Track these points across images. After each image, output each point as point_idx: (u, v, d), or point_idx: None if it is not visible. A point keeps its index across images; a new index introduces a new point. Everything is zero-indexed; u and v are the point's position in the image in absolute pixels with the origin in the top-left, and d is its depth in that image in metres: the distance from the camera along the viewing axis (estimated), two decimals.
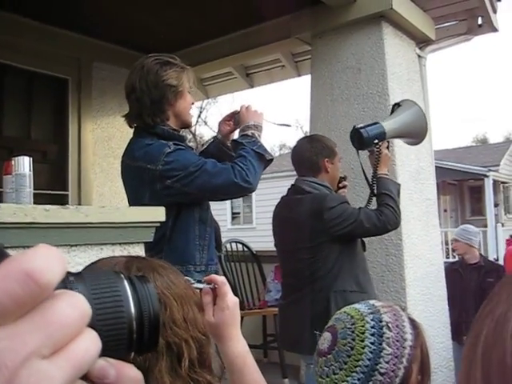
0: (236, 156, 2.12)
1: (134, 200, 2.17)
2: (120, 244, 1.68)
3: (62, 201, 4.39)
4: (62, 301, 0.31)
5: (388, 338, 1.07)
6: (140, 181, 2.10)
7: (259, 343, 4.45)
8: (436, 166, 4.87)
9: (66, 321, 0.31)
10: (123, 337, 0.38)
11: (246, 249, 4.64)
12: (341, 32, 3.90)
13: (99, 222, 1.60)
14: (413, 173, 3.78)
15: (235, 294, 3.45)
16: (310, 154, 2.60)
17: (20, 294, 0.29)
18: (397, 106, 2.75)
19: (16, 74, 4.37)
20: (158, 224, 1.76)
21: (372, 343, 1.06)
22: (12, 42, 4.08)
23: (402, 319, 1.12)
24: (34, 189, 1.86)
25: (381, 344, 1.06)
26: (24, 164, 1.89)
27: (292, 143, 31.06)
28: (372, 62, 3.73)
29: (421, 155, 3.89)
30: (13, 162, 1.89)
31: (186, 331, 0.77)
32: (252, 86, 5.88)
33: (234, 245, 4.56)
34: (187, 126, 2.33)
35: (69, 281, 0.35)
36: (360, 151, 2.66)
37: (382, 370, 1.04)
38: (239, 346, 1.01)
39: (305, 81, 4.61)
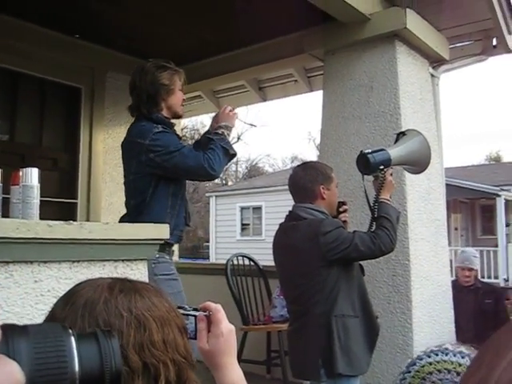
0: (207, 148, 2.59)
1: (125, 169, 2.69)
2: (123, 261, 1.68)
3: (70, 209, 4.41)
4: None
5: None
6: (131, 152, 2.62)
7: (263, 359, 4.42)
8: (447, 184, 4.85)
9: None
10: None
11: (252, 263, 4.62)
12: (354, 49, 3.89)
13: (103, 238, 1.59)
14: (423, 193, 3.75)
15: (240, 308, 3.45)
16: (304, 182, 2.62)
17: None
18: (402, 134, 2.77)
19: (30, 81, 4.41)
20: (162, 242, 1.76)
21: None
22: (27, 50, 4.13)
23: None
24: (43, 196, 1.86)
25: None
26: (32, 175, 1.89)
27: (304, 156, 31.09)
28: (384, 81, 3.72)
29: (431, 175, 3.86)
30: (21, 173, 1.89)
31: (164, 353, 0.77)
32: (264, 100, 5.90)
33: (240, 259, 4.54)
34: (178, 116, 2.83)
35: (11, 338, 0.35)
36: (365, 176, 2.66)
37: None
38: (234, 375, 0.99)
39: (318, 94, 4.61)
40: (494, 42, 4.36)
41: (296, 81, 5.48)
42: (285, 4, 3.78)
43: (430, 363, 1.13)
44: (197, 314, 0.98)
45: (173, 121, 2.77)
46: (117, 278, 0.83)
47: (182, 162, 2.52)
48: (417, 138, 2.74)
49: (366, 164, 2.55)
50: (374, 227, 2.54)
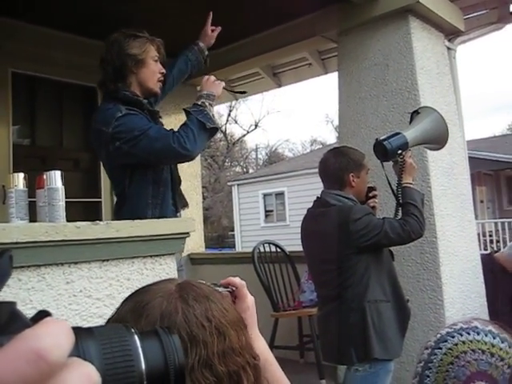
0: (182, 124, 2.28)
1: (99, 158, 2.47)
2: (151, 256, 1.69)
3: (94, 208, 4.46)
4: (72, 374, 0.31)
5: None
6: (99, 142, 2.32)
7: (295, 344, 4.44)
8: (470, 157, 4.78)
9: None
10: None
11: (279, 250, 4.63)
12: (367, 28, 3.85)
13: (130, 236, 1.61)
14: (446, 168, 3.71)
15: (269, 295, 3.46)
16: (334, 169, 2.60)
17: (30, 373, 0.29)
18: (415, 113, 2.74)
19: (47, 84, 4.45)
20: (188, 235, 1.77)
21: None
22: (43, 54, 4.16)
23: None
24: (68, 197, 1.89)
25: None
26: (56, 178, 1.91)
27: (323, 138, 30.95)
28: (400, 58, 3.68)
29: (453, 150, 3.82)
30: (45, 177, 1.92)
31: (243, 358, 0.76)
32: (280, 86, 5.87)
33: (266, 246, 4.56)
34: (153, 93, 2.45)
35: (80, 340, 0.35)
36: (384, 162, 2.65)
37: None
38: (260, 345, 1.00)
39: (333, 76, 4.57)
40: (511, 8, 4.27)
41: (310, 64, 5.44)
42: None
43: (464, 342, 1.12)
44: (220, 290, 0.99)
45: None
46: (180, 283, 0.79)
47: (148, 146, 2.20)
48: (431, 115, 2.70)
49: (383, 151, 2.54)
50: (399, 212, 2.53)
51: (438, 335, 1.20)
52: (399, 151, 2.53)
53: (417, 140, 2.64)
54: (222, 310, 0.77)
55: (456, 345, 1.13)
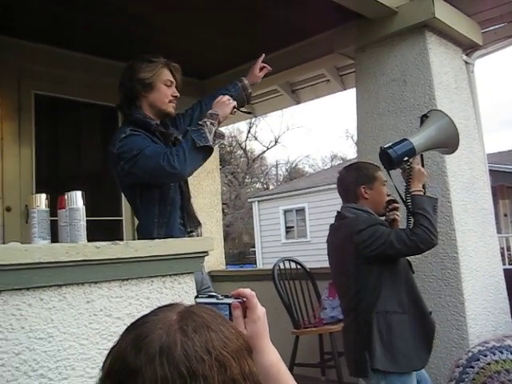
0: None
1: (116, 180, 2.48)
2: (170, 275, 1.71)
3: (116, 227, 4.51)
4: None
5: None
6: (109, 163, 2.40)
7: (316, 362, 4.41)
8: (492, 170, 4.74)
9: None
10: None
11: (299, 266, 4.62)
12: (384, 44, 3.86)
13: (149, 255, 1.63)
14: (466, 183, 3.68)
15: (290, 312, 3.46)
16: (347, 183, 2.70)
17: None
18: (425, 117, 2.71)
19: (68, 105, 4.53)
20: (207, 254, 1.79)
21: None
22: (63, 75, 4.25)
23: None
24: (89, 216, 1.92)
25: None
26: (77, 198, 1.94)
27: (343, 154, 30.87)
28: (417, 73, 3.68)
29: (473, 164, 3.79)
30: (66, 197, 1.95)
31: None
32: (298, 102, 5.90)
33: (286, 263, 4.55)
34: (166, 114, 2.50)
35: None
36: (392, 171, 2.65)
37: None
38: (272, 355, 1.00)
39: (352, 92, 4.58)
40: None
41: (328, 80, 5.46)
42: (311, 6, 3.78)
43: (497, 361, 1.10)
44: (230, 301, 1.00)
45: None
46: (181, 312, 0.79)
47: (143, 165, 2.25)
48: (439, 118, 2.66)
49: (388, 160, 2.53)
50: (411, 221, 2.52)
51: (470, 353, 1.17)
52: (405, 158, 2.52)
53: (425, 145, 2.60)
54: (223, 339, 0.76)
55: (489, 364, 1.10)
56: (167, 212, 2.37)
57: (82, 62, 4.31)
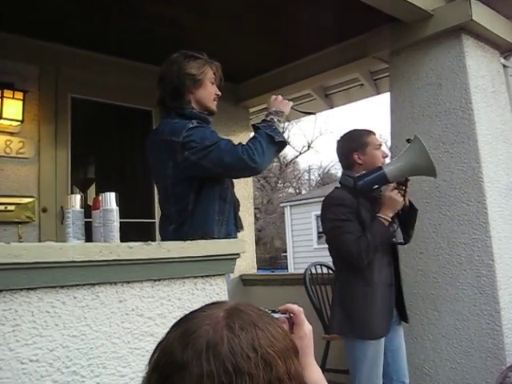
0: (250, 138, 2.31)
1: (159, 172, 2.43)
2: (202, 277, 1.72)
3: (149, 229, 4.55)
4: None
5: None
6: (165, 153, 2.31)
7: (347, 368, 4.36)
8: None
9: None
10: None
11: (330, 271, 4.58)
12: (419, 48, 3.82)
13: (181, 256, 1.64)
14: (502, 189, 3.60)
15: (321, 317, 3.46)
16: (342, 152, 2.90)
17: None
18: (407, 141, 2.73)
19: (103, 108, 4.60)
20: (239, 256, 1.79)
21: None
22: (99, 79, 4.32)
23: None
24: (122, 218, 1.94)
25: None
26: (111, 199, 1.97)
27: None
28: (453, 77, 3.62)
29: (510, 170, 3.71)
30: (100, 198, 1.98)
31: None
32: (331, 107, 5.88)
33: (318, 268, 4.52)
34: (210, 112, 2.49)
35: None
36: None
37: None
38: (316, 373, 1.00)
39: (385, 96, 4.54)
40: None
41: (362, 85, 5.42)
42: (345, 9, 3.76)
43: None
44: (277, 316, 0.98)
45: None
46: (227, 309, 0.78)
47: (218, 158, 2.20)
48: (414, 146, 2.66)
49: (354, 186, 2.72)
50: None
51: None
52: (375, 186, 2.68)
53: (399, 173, 2.68)
54: (269, 337, 0.75)
55: None
56: (226, 210, 2.37)
57: (117, 66, 4.38)
